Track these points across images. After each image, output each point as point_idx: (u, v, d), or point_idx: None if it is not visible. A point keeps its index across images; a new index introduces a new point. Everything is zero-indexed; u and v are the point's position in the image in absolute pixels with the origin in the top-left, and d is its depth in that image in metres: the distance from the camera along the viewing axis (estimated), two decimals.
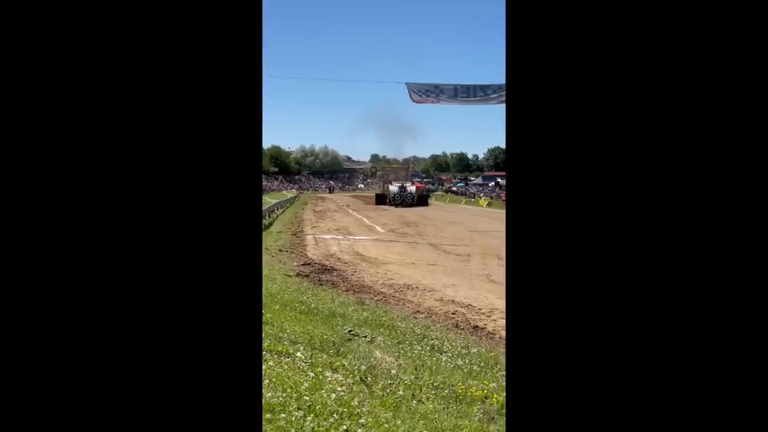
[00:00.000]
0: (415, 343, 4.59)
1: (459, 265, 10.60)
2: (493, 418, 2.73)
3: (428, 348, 4.47)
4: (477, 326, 6.04)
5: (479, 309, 6.88)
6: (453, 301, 7.35)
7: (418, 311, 6.73)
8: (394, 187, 34.39)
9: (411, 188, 34.73)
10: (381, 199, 35.15)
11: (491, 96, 23.06)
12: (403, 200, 32.59)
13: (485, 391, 3.17)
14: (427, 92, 23.04)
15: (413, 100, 23.17)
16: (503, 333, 5.79)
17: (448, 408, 2.82)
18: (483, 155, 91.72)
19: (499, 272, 9.70)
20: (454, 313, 6.62)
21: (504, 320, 6.32)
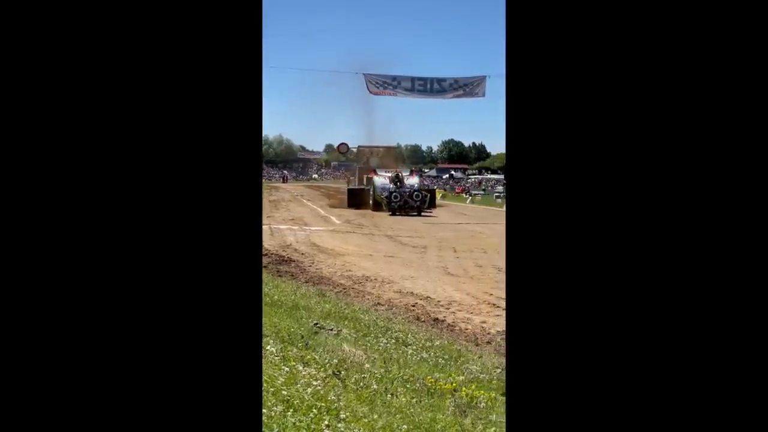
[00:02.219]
0: (380, 335, 4.65)
1: (416, 257, 10.71)
2: (465, 412, 2.81)
3: (393, 341, 4.54)
4: (437, 318, 6.14)
5: (438, 301, 6.99)
6: (412, 293, 7.44)
7: (378, 303, 6.79)
8: (382, 180, 22.14)
9: (412, 180, 22.83)
10: (357, 199, 22.78)
11: (447, 90, 23.28)
12: (406, 203, 20.35)
13: (454, 384, 3.25)
14: (384, 84, 23.02)
15: (370, 92, 23.15)
16: (462, 325, 5.91)
17: (421, 402, 2.89)
18: (437, 147, 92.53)
19: (455, 264, 9.86)
20: (413, 306, 6.71)
21: (462, 313, 6.47)
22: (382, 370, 3.43)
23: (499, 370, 3.95)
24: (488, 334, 5.53)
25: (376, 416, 2.51)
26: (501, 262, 10.13)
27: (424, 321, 5.99)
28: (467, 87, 23.90)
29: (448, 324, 5.95)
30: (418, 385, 3.19)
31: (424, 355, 4.18)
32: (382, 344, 4.35)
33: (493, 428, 2.62)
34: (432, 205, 22.05)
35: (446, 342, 4.90)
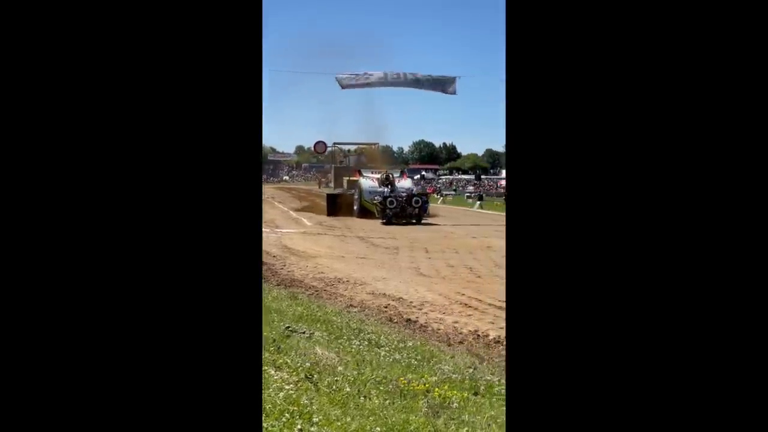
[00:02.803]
0: (353, 337, 4.64)
1: (388, 258, 10.72)
2: (437, 412, 2.83)
3: (366, 342, 4.53)
4: (409, 319, 6.15)
5: (410, 302, 7.00)
6: (384, 294, 7.44)
7: (351, 305, 6.78)
8: (370, 183, 19.16)
9: (404, 183, 19.78)
10: (339, 205, 19.75)
11: (421, 82, 23.24)
12: (403, 209, 17.53)
13: (427, 385, 3.26)
14: (356, 78, 22.84)
15: (342, 87, 22.90)
16: (435, 325, 5.93)
17: (393, 403, 2.89)
18: (408, 148, 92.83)
19: (427, 265, 9.90)
20: (386, 307, 6.72)
21: (435, 313, 6.49)
22: (355, 372, 3.42)
23: (471, 370, 3.98)
24: (460, 333, 5.57)
25: (349, 419, 2.51)
26: (473, 261, 10.21)
27: (396, 322, 6.00)
28: (439, 83, 23.85)
29: (421, 324, 5.96)
30: (391, 386, 3.19)
31: (397, 356, 4.18)
32: (354, 346, 4.34)
33: (466, 428, 2.64)
34: (425, 210, 18.37)
35: (419, 343, 4.91)
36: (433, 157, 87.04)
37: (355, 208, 19.40)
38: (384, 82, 23.24)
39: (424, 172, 57.17)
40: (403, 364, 3.99)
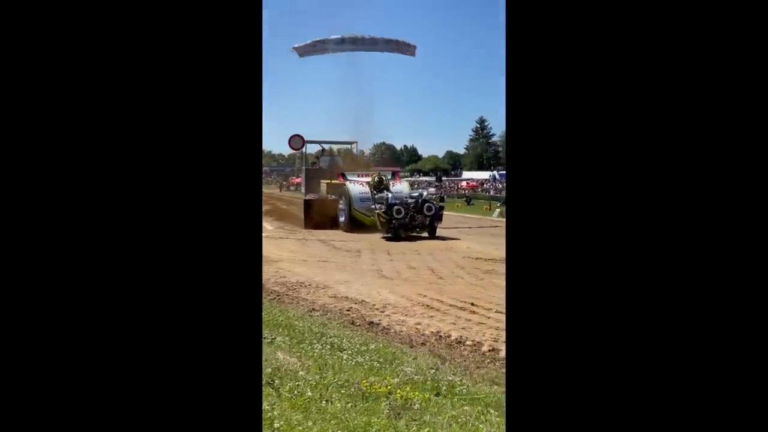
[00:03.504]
0: (315, 342, 4.63)
1: (350, 261, 10.71)
2: (399, 414, 2.84)
3: (328, 346, 4.53)
4: (372, 322, 6.16)
5: (373, 305, 7.01)
6: (347, 297, 7.43)
7: (313, 309, 6.76)
8: (360, 189, 15.91)
9: (400, 187, 16.41)
10: (319, 214, 16.67)
11: (378, 44, 22.98)
12: (413, 219, 13.99)
13: (389, 387, 3.28)
14: (313, 45, 22.27)
15: (300, 55, 22.21)
16: (398, 327, 5.96)
17: (356, 406, 2.90)
18: (369, 150, 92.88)
19: (389, 267, 9.93)
20: (348, 310, 6.71)
21: (397, 315, 6.52)
22: (317, 376, 3.42)
23: (433, 371, 4.02)
24: (422, 335, 5.60)
25: (310, 423, 2.51)
26: (434, 263, 10.28)
27: (359, 325, 6.01)
28: (396, 45, 23.30)
29: (383, 327, 5.98)
30: (353, 389, 3.20)
31: (359, 359, 4.19)
32: (317, 350, 4.33)
33: (427, 429, 2.67)
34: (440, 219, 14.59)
35: (381, 345, 4.93)
36: (395, 159, 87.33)
37: (340, 219, 16.19)
38: (342, 47, 22.55)
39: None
40: (365, 366, 4.00)
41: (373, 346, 4.79)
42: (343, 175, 17.39)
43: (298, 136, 22.52)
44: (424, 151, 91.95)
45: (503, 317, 5.50)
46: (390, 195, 14.71)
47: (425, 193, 15.46)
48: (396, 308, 6.81)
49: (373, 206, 14.81)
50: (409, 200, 14.36)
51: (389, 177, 17.08)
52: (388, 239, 13.45)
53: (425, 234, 14.14)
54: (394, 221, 13.57)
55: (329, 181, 17.97)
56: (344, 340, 4.87)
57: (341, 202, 16.41)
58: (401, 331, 5.78)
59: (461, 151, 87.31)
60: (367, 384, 3.35)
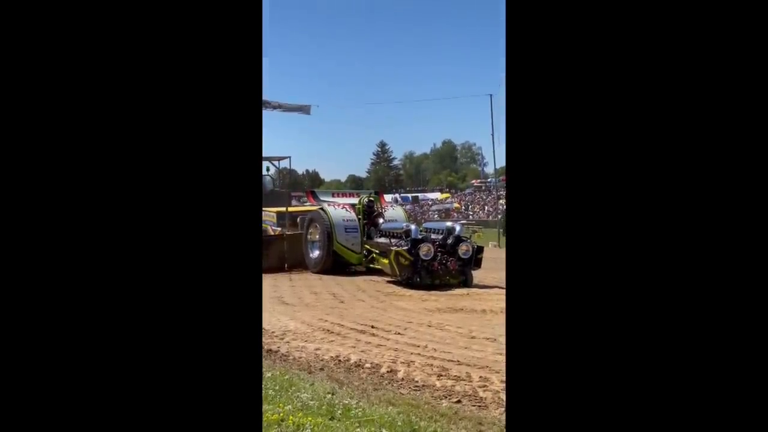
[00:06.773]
0: None
1: None
2: None
3: None
4: (270, 350, 6.04)
5: (272, 332, 6.89)
6: None
7: None
8: (345, 215, 11.91)
9: (394, 214, 12.60)
10: (280, 252, 12.35)
11: (284, 105, 25.58)
12: (446, 263, 9.71)
13: (281, 414, 3.21)
14: None
15: None
16: (296, 354, 5.87)
17: None
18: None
19: (291, 293, 9.79)
20: None
21: (297, 341, 6.42)
22: None
23: (330, 396, 3.98)
24: (321, 360, 5.55)
25: None
26: (336, 288, 10.24)
27: None
28: (297, 107, 28.85)
29: (282, 354, 5.88)
30: None
31: None
32: None
33: None
34: (478, 264, 10.25)
35: (278, 373, 4.84)
36: (295, 185, 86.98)
37: (313, 255, 12.12)
38: None
39: (409, 196, 56.05)
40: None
41: (269, 375, 4.69)
42: (314, 195, 14.01)
43: None
44: (326, 176, 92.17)
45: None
46: (412, 227, 10.61)
47: (458, 228, 10.76)
48: (296, 335, 6.73)
49: (365, 239, 11.65)
50: (433, 236, 10.51)
51: (393, 205, 13.80)
52: (408, 285, 9.89)
53: (454, 281, 9.87)
54: (419, 264, 9.77)
55: (286, 206, 13.95)
56: None
57: (314, 232, 12.21)
58: (300, 357, 5.70)
59: (363, 174, 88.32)
60: None
